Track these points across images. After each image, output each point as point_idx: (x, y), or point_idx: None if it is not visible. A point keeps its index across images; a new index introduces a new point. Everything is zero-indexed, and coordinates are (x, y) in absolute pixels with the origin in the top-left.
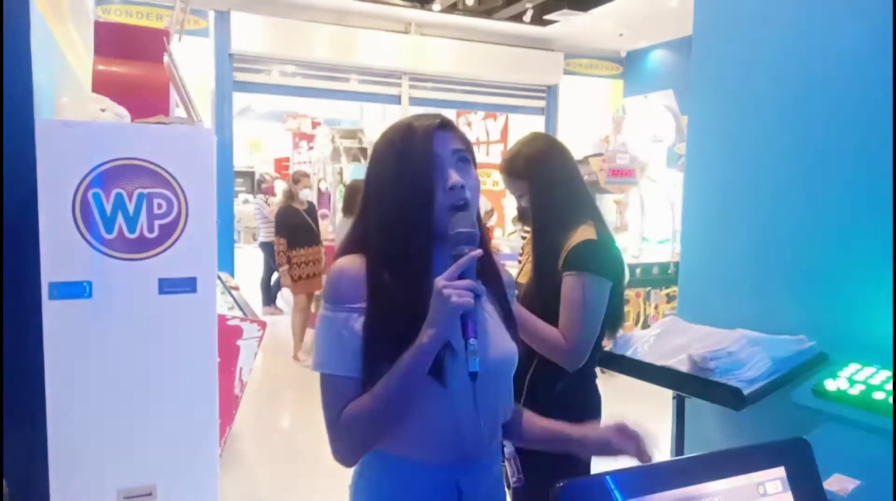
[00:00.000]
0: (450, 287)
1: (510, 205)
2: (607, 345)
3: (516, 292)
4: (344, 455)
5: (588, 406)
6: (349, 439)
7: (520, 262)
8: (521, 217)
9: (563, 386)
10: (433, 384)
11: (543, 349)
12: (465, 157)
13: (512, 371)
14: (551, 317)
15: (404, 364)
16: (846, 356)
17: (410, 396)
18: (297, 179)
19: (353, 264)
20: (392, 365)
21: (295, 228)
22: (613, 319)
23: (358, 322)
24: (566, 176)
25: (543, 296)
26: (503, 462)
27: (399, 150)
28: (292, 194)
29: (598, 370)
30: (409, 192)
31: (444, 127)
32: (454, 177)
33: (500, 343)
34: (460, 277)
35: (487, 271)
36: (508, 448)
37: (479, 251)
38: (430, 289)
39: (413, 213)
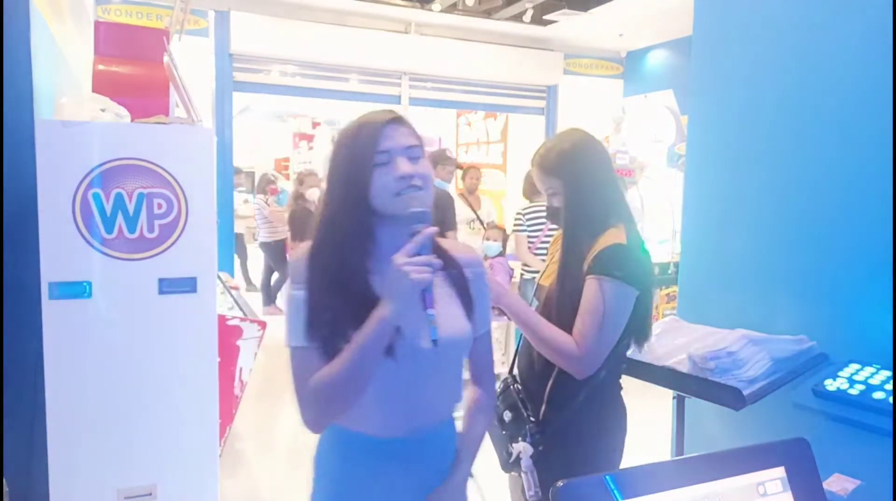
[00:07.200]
0: (409, 263)
1: (511, 206)
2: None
3: (535, 293)
4: (310, 422)
5: (612, 419)
6: (315, 407)
7: (544, 261)
8: (552, 216)
9: (585, 397)
10: (384, 360)
11: (551, 355)
12: (415, 151)
13: (464, 349)
14: (572, 322)
15: (364, 336)
16: (846, 356)
17: (370, 367)
18: (302, 180)
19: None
20: (338, 335)
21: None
22: (639, 329)
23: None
24: (601, 176)
25: (567, 300)
26: (520, 474)
27: (349, 143)
28: (300, 195)
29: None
30: (352, 177)
31: (395, 122)
32: (404, 167)
33: (453, 322)
34: (416, 254)
35: (441, 254)
36: (526, 462)
37: (434, 229)
38: (365, 267)
39: (354, 194)
